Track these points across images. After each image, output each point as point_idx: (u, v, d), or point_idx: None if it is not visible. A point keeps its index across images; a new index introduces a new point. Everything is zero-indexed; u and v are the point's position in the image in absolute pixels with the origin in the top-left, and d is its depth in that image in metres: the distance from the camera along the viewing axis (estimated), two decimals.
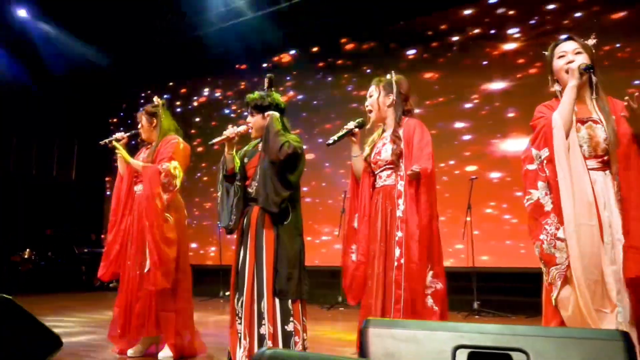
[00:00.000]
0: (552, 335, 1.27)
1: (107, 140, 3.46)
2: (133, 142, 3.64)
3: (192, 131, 9.70)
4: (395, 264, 2.35)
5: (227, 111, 9.90)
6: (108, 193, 11.55)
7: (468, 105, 7.00)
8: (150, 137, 3.42)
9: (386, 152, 2.53)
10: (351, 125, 2.60)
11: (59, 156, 11.17)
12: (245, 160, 2.84)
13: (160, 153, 3.25)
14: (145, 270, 3.06)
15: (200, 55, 9.22)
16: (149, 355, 3.17)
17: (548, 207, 2.06)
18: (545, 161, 2.09)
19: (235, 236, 2.83)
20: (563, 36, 2.24)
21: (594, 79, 2.10)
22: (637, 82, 5.83)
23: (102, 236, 10.69)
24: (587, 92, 2.16)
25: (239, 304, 2.68)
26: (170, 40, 8.94)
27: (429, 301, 2.32)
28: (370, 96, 2.64)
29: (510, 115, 6.66)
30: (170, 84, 10.74)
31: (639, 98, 1.92)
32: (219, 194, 2.81)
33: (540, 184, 2.09)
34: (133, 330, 3.11)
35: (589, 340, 1.24)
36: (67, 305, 6.29)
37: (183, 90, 10.58)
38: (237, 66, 9.69)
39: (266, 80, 2.79)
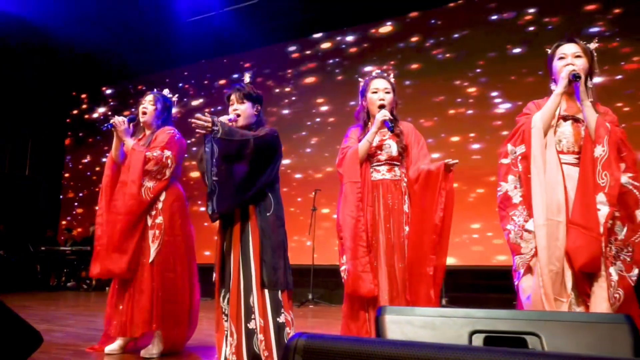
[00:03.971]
0: (563, 319, 1.32)
1: (107, 125, 3.22)
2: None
3: None
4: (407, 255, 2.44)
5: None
6: (67, 182, 11.15)
7: None
8: (150, 124, 3.27)
9: (389, 147, 2.58)
10: (388, 114, 2.55)
11: (12, 150, 10.70)
12: None
13: (154, 142, 3.16)
14: (150, 260, 2.98)
15: (161, 49, 9.14)
16: (129, 352, 3.09)
17: (516, 199, 2.20)
18: (519, 157, 2.22)
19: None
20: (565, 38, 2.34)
21: (588, 84, 2.21)
22: None
23: (62, 235, 10.34)
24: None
25: (225, 301, 2.63)
26: (134, 33, 8.77)
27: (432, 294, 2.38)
28: (388, 92, 2.64)
29: None
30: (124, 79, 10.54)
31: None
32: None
33: (510, 177, 2.23)
34: (138, 326, 2.95)
35: (596, 324, 1.30)
36: (26, 305, 6.02)
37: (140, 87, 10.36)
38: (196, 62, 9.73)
39: (249, 75, 2.87)
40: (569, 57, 2.24)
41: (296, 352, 1.01)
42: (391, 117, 2.54)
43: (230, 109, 2.77)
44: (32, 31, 8.43)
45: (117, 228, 2.98)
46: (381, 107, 2.59)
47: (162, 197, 3.09)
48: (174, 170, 3.14)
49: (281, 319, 2.53)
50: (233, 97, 2.77)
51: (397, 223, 2.49)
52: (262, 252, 2.59)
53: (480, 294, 6.19)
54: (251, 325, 2.53)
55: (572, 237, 2.05)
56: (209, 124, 2.46)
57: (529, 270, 2.13)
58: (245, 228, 2.64)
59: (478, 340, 1.30)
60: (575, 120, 2.23)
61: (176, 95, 3.43)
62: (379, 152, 2.60)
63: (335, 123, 8.20)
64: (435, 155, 6.90)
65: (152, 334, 3.03)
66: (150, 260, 2.99)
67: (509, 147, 2.27)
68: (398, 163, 2.59)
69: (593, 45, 2.30)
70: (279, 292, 2.57)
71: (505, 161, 2.26)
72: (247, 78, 2.84)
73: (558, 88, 2.20)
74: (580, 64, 2.22)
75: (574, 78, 2.17)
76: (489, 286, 6.23)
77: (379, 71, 2.75)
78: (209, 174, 2.51)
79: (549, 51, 2.36)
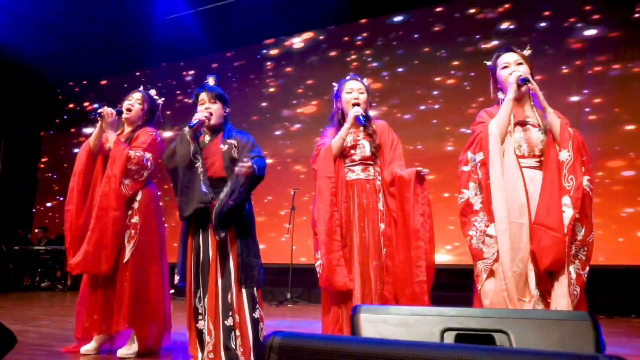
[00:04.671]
0: (530, 317, 1.38)
1: (96, 113, 3.12)
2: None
3: None
4: (384, 251, 2.50)
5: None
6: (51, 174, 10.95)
7: None
8: (132, 122, 3.22)
9: (363, 147, 2.63)
10: (361, 110, 2.62)
11: None
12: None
13: (136, 141, 3.12)
14: (125, 260, 2.95)
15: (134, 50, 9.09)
16: (105, 352, 3.07)
17: (477, 206, 2.24)
18: (479, 164, 2.26)
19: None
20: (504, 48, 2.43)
21: (531, 88, 2.27)
22: None
23: (36, 231, 10.15)
24: (527, 98, 2.35)
25: (204, 301, 2.65)
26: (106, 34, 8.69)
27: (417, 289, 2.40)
28: (362, 93, 2.70)
29: None
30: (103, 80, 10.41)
31: None
32: (184, 177, 2.67)
33: (471, 184, 2.27)
34: (117, 323, 2.93)
35: (562, 321, 1.36)
36: (0, 305, 5.92)
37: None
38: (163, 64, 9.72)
39: (213, 79, 2.94)
40: (512, 65, 2.32)
41: (272, 351, 1.03)
42: (364, 113, 2.60)
43: (201, 107, 2.81)
44: (4, 28, 8.25)
45: (109, 225, 2.93)
46: (355, 105, 2.66)
47: (139, 197, 3.07)
48: (152, 172, 3.14)
49: (256, 315, 2.63)
50: (204, 96, 2.82)
51: (371, 221, 2.53)
52: (240, 251, 2.66)
53: (455, 292, 6.27)
54: (228, 322, 2.60)
55: (538, 238, 2.11)
56: (251, 169, 2.54)
57: (491, 274, 2.17)
58: None
59: (449, 338, 1.34)
60: (531, 125, 2.31)
61: (162, 99, 3.40)
62: (352, 152, 2.64)
63: (314, 115, 8.23)
64: (411, 148, 7.01)
65: (128, 334, 3.02)
66: (125, 260, 2.96)
67: (469, 154, 2.32)
68: (372, 162, 2.64)
69: (527, 52, 2.38)
70: (255, 289, 2.66)
71: (465, 169, 2.31)
72: (211, 81, 2.89)
73: (509, 94, 2.26)
74: (524, 70, 2.30)
75: (523, 82, 2.24)
76: (462, 284, 6.31)
77: (352, 74, 2.81)
78: (226, 198, 2.57)
79: (489, 63, 2.44)
